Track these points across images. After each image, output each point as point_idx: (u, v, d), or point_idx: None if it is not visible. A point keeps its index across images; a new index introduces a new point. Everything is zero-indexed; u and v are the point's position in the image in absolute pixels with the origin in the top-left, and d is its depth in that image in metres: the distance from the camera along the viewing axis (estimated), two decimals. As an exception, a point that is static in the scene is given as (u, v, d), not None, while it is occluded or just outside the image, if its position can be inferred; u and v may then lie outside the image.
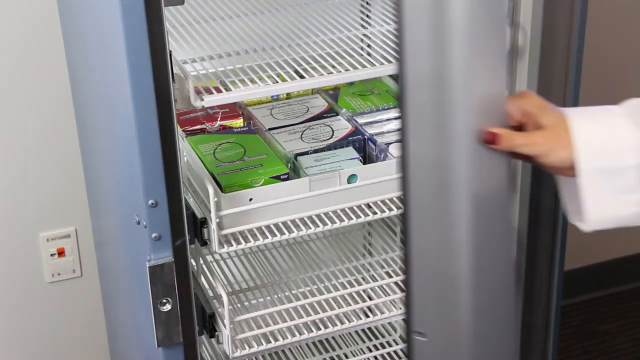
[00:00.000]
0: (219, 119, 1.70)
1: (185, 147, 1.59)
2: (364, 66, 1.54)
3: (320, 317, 1.57)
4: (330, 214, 1.56)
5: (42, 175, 1.97)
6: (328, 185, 1.55)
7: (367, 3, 1.85)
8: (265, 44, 1.61)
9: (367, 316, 1.64)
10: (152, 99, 1.25)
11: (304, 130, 1.69)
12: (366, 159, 1.67)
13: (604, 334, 2.31)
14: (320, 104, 1.79)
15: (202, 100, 1.40)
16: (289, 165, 1.60)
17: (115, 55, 1.26)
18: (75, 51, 1.71)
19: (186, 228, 1.36)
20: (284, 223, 1.53)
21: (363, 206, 1.58)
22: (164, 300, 1.36)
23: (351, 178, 1.56)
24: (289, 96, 1.81)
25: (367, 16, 1.78)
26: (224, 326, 1.47)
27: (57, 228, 2.03)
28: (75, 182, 1.98)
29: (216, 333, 1.50)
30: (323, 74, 1.50)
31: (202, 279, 1.57)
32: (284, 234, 1.51)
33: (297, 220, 1.54)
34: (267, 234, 1.51)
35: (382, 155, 1.64)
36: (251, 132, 1.68)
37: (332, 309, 1.61)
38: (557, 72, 1.53)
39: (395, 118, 1.70)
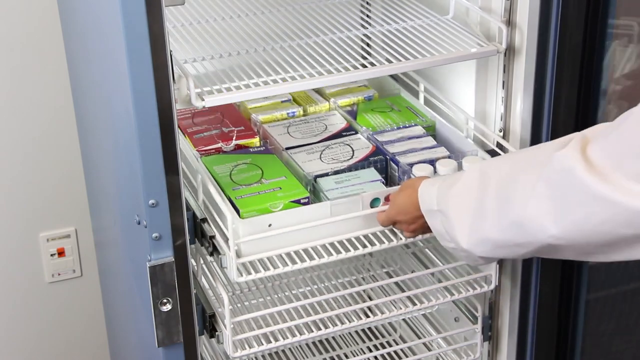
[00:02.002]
0: (234, 137, 1.64)
1: (200, 169, 1.53)
2: (364, 66, 1.54)
3: (320, 317, 1.57)
4: (353, 239, 1.50)
5: (42, 175, 1.97)
6: (350, 209, 1.48)
7: (367, 3, 1.85)
8: (266, 44, 1.61)
9: (367, 316, 1.64)
10: (153, 99, 1.25)
11: (323, 150, 1.63)
12: (388, 180, 1.61)
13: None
14: (338, 121, 1.73)
15: (203, 100, 1.40)
16: (309, 187, 1.54)
17: (116, 55, 1.26)
18: (75, 51, 1.71)
19: (186, 228, 1.36)
20: (305, 250, 1.48)
21: (387, 231, 1.52)
22: (164, 300, 1.36)
23: (374, 202, 1.50)
24: (305, 113, 1.77)
25: (367, 16, 1.78)
26: (224, 326, 1.47)
27: (57, 228, 2.03)
28: (75, 182, 1.98)
29: (216, 333, 1.50)
30: (323, 74, 1.50)
31: (203, 279, 1.57)
32: (304, 261, 1.47)
33: (318, 247, 1.48)
34: (288, 261, 1.47)
35: (404, 177, 1.57)
36: (268, 152, 1.62)
37: (332, 309, 1.60)
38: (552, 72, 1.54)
39: (419, 137, 1.67)
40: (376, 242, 1.51)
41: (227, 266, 1.42)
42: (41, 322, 2.10)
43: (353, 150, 1.63)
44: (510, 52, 1.57)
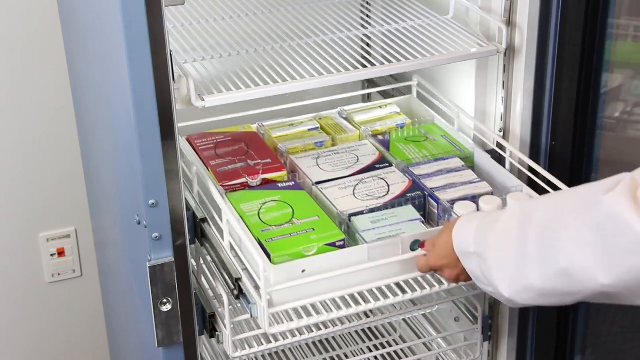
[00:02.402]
0: (261, 171, 1.55)
1: (225, 207, 1.42)
2: (364, 66, 1.54)
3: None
4: (392, 285, 1.42)
5: (42, 175, 1.97)
6: (389, 253, 1.38)
7: (367, 3, 1.85)
8: (266, 44, 1.61)
9: (367, 316, 1.64)
10: (153, 99, 1.25)
11: (356, 185, 1.52)
12: (426, 217, 1.51)
13: None
14: (370, 152, 1.63)
15: (203, 100, 1.40)
16: (343, 227, 1.45)
17: (116, 55, 1.26)
18: (75, 51, 1.71)
19: (186, 228, 1.36)
20: (340, 297, 1.39)
21: (428, 275, 1.43)
22: (164, 300, 1.36)
23: (414, 244, 1.40)
24: (334, 143, 1.68)
25: (367, 16, 1.78)
26: (224, 326, 1.47)
27: (57, 228, 2.03)
28: (75, 182, 1.98)
29: (216, 333, 1.50)
30: (323, 74, 1.50)
31: (203, 279, 1.57)
32: (340, 309, 1.39)
33: (355, 294, 1.40)
34: (322, 309, 1.40)
35: (445, 216, 1.47)
36: (298, 188, 1.52)
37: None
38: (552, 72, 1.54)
39: (458, 170, 1.57)
40: (417, 288, 1.43)
41: (259, 316, 1.33)
42: (41, 322, 2.10)
43: (388, 186, 1.53)
44: (510, 52, 1.57)
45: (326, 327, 1.58)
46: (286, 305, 1.34)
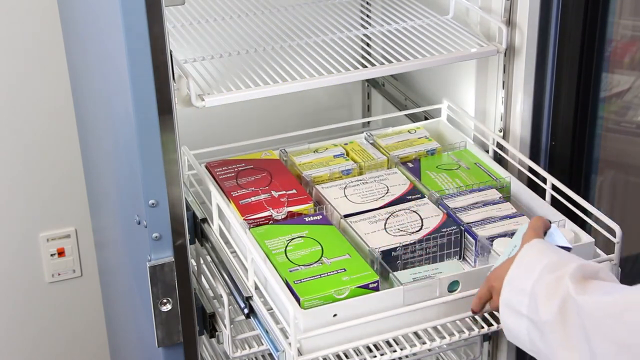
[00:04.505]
0: (286, 203, 1.47)
1: (248, 244, 1.34)
2: (364, 66, 1.54)
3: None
4: (429, 330, 1.35)
5: (42, 175, 1.97)
6: (425, 294, 1.29)
7: (367, 3, 1.85)
8: (266, 44, 1.61)
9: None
10: (153, 99, 1.25)
11: (388, 218, 1.43)
12: (462, 254, 1.42)
13: None
14: (400, 181, 1.54)
15: (203, 100, 1.40)
16: (375, 265, 1.35)
17: (116, 55, 1.26)
18: (75, 51, 1.71)
19: (186, 228, 1.36)
20: (375, 344, 1.32)
21: (468, 319, 1.35)
22: (164, 300, 1.36)
23: (452, 285, 1.31)
24: (361, 171, 1.59)
25: (367, 16, 1.78)
26: (224, 326, 1.47)
27: (57, 228, 2.03)
28: (75, 182, 1.98)
29: (216, 333, 1.50)
30: (323, 74, 1.50)
31: (203, 279, 1.57)
32: (374, 357, 1.30)
33: (390, 340, 1.31)
34: (355, 355, 1.32)
35: (484, 254, 1.38)
36: (326, 223, 1.43)
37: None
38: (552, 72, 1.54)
39: (495, 202, 1.49)
40: (455, 333, 1.36)
41: None
42: (41, 322, 2.10)
43: (422, 219, 1.43)
44: (510, 52, 1.57)
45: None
46: (317, 352, 1.25)
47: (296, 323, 1.22)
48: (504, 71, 1.60)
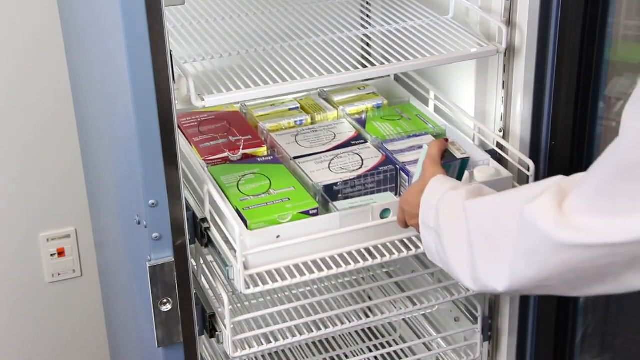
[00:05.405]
0: (241, 147, 1.61)
1: (206, 179, 1.49)
2: (364, 66, 1.54)
3: (320, 317, 1.57)
4: (362, 251, 1.47)
5: (42, 175, 1.97)
6: (360, 220, 1.46)
7: (367, 3, 1.85)
8: (266, 44, 1.61)
9: (367, 316, 1.64)
10: (153, 99, 1.25)
11: (332, 159, 1.60)
12: (398, 189, 1.58)
13: None
14: (347, 129, 1.70)
15: (203, 100, 1.40)
16: (317, 197, 1.51)
17: (116, 55, 1.26)
18: (75, 51, 1.71)
19: (186, 228, 1.36)
20: (314, 261, 1.44)
21: (397, 242, 1.49)
22: (164, 300, 1.36)
23: (384, 213, 1.48)
24: (313, 121, 1.74)
25: (367, 16, 1.78)
26: (224, 326, 1.47)
27: (57, 228, 2.03)
28: (75, 182, 1.98)
29: (216, 333, 1.50)
30: (323, 74, 1.50)
31: (203, 279, 1.57)
32: (313, 272, 1.43)
33: (327, 259, 1.45)
34: (296, 273, 1.43)
35: None
36: (276, 162, 1.59)
37: (332, 309, 1.61)
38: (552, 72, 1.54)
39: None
40: (386, 253, 1.47)
41: (235, 278, 1.39)
42: (41, 322, 2.10)
43: (362, 160, 1.60)
44: (510, 52, 1.57)
45: (326, 327, 1.58)
46: (261, 267, 1.40)
47: (242, 240, 1.37)
48: (504, 71, 1.60)
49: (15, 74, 1.87)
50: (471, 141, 1.66)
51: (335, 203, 1.48)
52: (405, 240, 1.49)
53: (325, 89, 1.82)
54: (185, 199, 1.36)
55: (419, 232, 1.33)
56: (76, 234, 2.05)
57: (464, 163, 1.51)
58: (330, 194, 1.52)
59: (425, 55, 1.55)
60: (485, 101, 1.67)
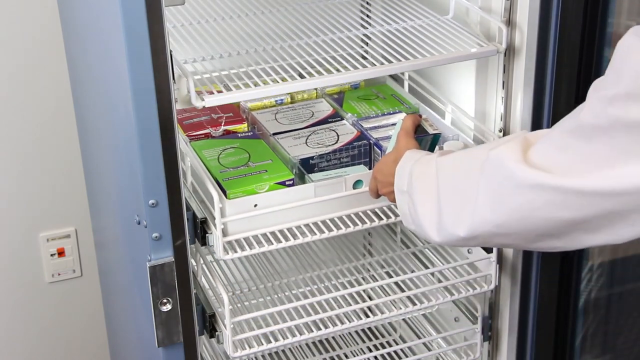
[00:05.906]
0: (222, 123, 1.69)
1: (189, 153, 1.58)
2: (364, 66, 1.54)
3: (320, 317, 1.57)
4: (336, 220, 1.54)
5: (42, 175, 1.97)
6: (333, 191, 1.53)
7: (367, 3, 1.85)
8: (266, 44, 1.61)
9: (367, 316, 1.64)
10: (153, 99, 1.25)
11: (309, 135, 1.67)
12: (371, 163, 1.65)
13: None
14: (325, 108, 1.77)
15: (203, 100, 1.40)
16: (294, 170, 1.58)
17: (116, 55, 1.26)
18: (75, 51, 1.71)
19: (186, 228, 1.36)
20: (289, 229, 1.51)
21: (369, 212, 1.56)
22: (164, 300, 1.37)
23: (357, 184, 1.55)
24: (293, 100, 1.80)
25: (367, 16, 1.78)
26: (224, 326, 1.47)
27: (57, 228, 2.03)
28: (75, 182, 1.98)
29: (216, 333, 1.50)
30: (323, 74, 1.50)
31: (203, 279, 1.57)
32: (288, 240, 1.50)
33: (302, 227, 1.52)
34: (272, 240, 1.50)
35: None
36: (255, 137, 1.66)
37: (332, 309, 1.61)
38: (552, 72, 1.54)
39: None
40: (358, 222, 1.54)
41: (214, 244, 1.46)
42: (41, 322, 2.10)
43: (338, 136, 1.68)
44: (510, 52, 1.57)
45: (326, 327, 1.58)
46: (239, 234, 1.48)
47: (220, 208, 1.43)
48: (504, 71, 1.60)
49: (15, 74, 1.87)
50: (442, 120, 1.72)
51: (311, 175, 1.57)
52: (377, 210, 1.57)
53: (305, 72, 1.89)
54: (185, 198, 1.36)
55: (390, 200, 1.40)
56: (76, 234, 2.05)
57: (436, 138, 1.62)
58: (307, 166, 1.59)
59: (425, 55, 1.55)
60: (485, 101, 1.67)
